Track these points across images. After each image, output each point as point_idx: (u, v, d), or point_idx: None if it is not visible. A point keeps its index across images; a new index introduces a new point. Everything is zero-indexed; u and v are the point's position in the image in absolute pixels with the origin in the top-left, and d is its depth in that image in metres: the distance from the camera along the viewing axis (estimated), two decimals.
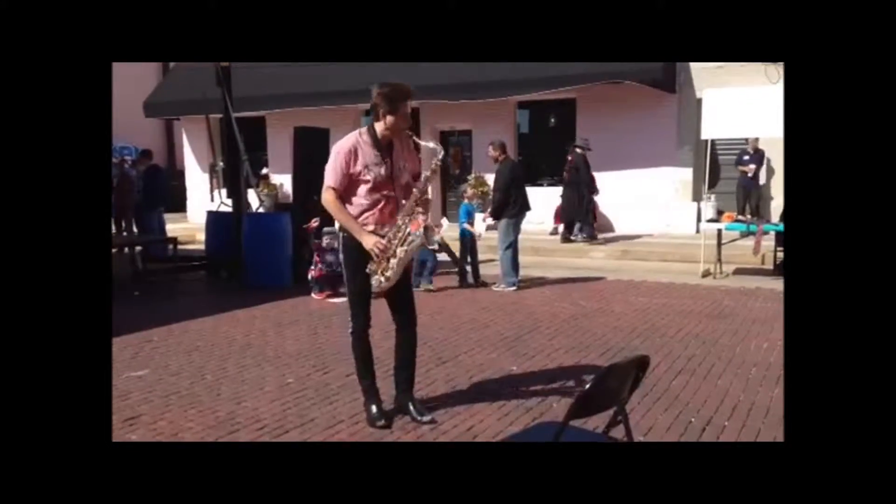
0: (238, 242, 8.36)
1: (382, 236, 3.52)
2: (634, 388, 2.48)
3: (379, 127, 3.54)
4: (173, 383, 4.54)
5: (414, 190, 3.58)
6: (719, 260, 8.95)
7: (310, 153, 8.82)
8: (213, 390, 4.40)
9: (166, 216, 11.65)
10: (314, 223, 7.76)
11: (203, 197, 14.91)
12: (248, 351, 5.32)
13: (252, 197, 10.37)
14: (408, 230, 3.53)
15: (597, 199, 12.12)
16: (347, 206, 3.55)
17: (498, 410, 3.96)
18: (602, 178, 12.42)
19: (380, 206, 3.55)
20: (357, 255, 3.59)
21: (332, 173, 3.52)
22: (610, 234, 12.40)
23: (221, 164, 11.41)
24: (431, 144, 3.75)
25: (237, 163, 9.08)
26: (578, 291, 7.70)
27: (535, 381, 4.51)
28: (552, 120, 14.07)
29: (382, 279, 3.57)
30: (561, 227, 12.41)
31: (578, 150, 11.47)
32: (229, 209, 9.32)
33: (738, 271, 9.04)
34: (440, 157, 3.66)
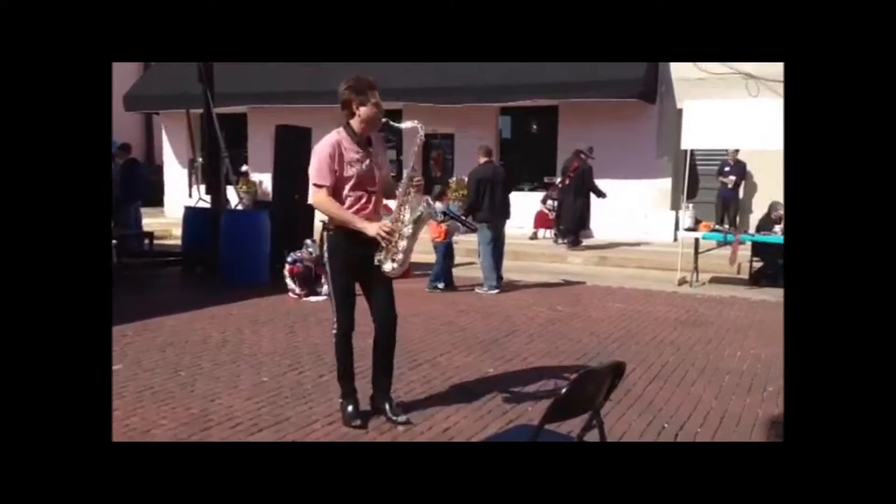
0: (216, 239, 8.29)
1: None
2: (609, 393, 2.50)
3: (355, 122, 3.54)
4: (147, 379, 4.49)
5: (405, 171, 3.58)
6: (696, 268, 9.06)
7: (291, 152, 8.79)
8: (186, 387, 4.35)
9: (143, 210, 11.52)
10: None
11: (181, 192, 14.76)
12: (223, 348, 5.28)
13: (231, 194, 10.30)
14: (408, 210, 3.51)
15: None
16: (342, 204, 3.55)
17: (474, 413, 3.96)
18: None
19: (364, 202, 3.56)
20: (343, 255, 3.58)
21: (318, 172, 3.50)
22: (589, 241, 12.48)
23: (201, 159, 11.31)
24: (409, 123, 3.64)
25: (217, 159, 9.01)
26: (556, 296, 7.74)
27: (512, 384, 4.52)
28: (534, 126, 14.16)
29: (394, 264, 3.54)
30: (547, 233, 12.50)
31: (583, 157, 11.54)
32: (207, 205, 9.24)
33: (714, 280, 9.15)
34: (422, 132, 3.62)
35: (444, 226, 7.62)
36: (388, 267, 3.55)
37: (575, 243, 11.57)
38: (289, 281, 7.39)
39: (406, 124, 3.69)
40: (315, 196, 3.54)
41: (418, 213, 3.51)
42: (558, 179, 11.92)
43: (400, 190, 3.55)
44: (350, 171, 3.50)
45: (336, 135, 3.55)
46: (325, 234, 3.66)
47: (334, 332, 3.74)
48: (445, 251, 7.96)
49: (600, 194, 11.62)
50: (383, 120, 3.60)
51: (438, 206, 3.70)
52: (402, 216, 3.53)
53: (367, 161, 3.54)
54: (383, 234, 3.48)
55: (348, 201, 3.54)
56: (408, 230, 3.51)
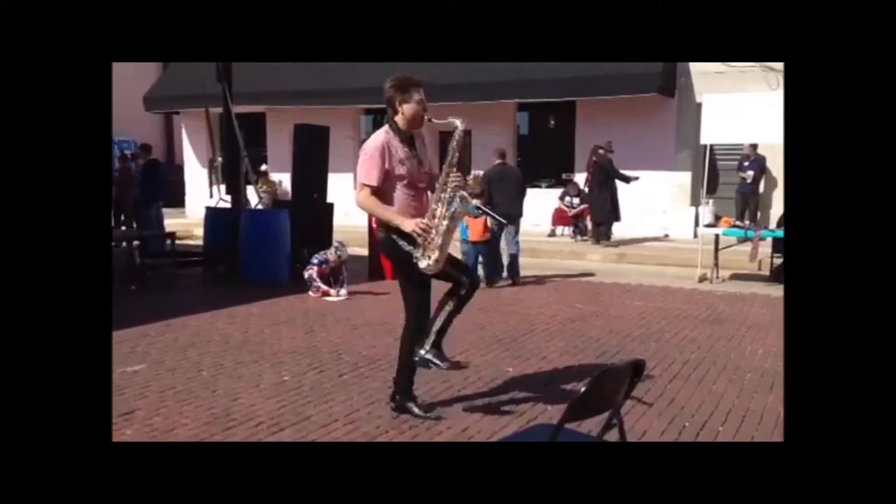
0: (236, 238, 8.36)
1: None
2: (630, 392, 2.49)
3: (399, 120, 3.54)
4: (169, 379, 4.54)
5: (443, 166, 3.58)
6: (716, 265, 8.97)
7: (309, 151, 8.83)
8: (208, 387, 4.40)
9: (165, 211, 11.64)
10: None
11: (202, 192, 14.91)
12: (244, 347, 5.33)
13: (251, 193, 10.37)
14: (444, 205, 3.51)
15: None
16: (394, 203, 3.56)
17: (493, 412, 3.97)
18: None
19: (420, 199, 3.59)
20: (408, 255, 3.56)
21: (367, 172, 3.50)
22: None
23: (220, 159, 11.40)
24: (449, 119, 3.60)
25: (236, 159, 9.07)
26: (575, 294, 7.71)
27: (531, 383, 4.52)
28: (552, 122, 14.09)
29: (430, 261, 3.51)
30: (566, 230, 12.47)
31: (601, 152, 11.50)
32: (228, 205, 9.31)
33: (734, 277, 9.06)
34: (461, 129, 3.59)
35: (488, 223, 7.67)
36: (423, 263, 3.52)
37: (607, 236, 11.58)
38: (318, 282, 7.40)
39: (446, 120, 3.65)
40: (359, 194, 3.55)
41: (454, 209, 3.50)
42: (583, 177, 11.86)
43: (437, 185, 3.56)
44: (402, 170, 3.51)
45: (384, 134, 3.55)
46: (391, 237, 3.60)
47: (411, 333, 3.70)
48: (489, 251, 7.96)
49: (628, 180, 11.49)
50: (426, 118, 3.58)
51: (474, 201, 3.67)
52: (438, 211, 3.51)
53: (415, 158, 3.56)
54: (419, 231, 3.46)
55: (407, 198, 3.55)
56: (443, 226, 3.49)
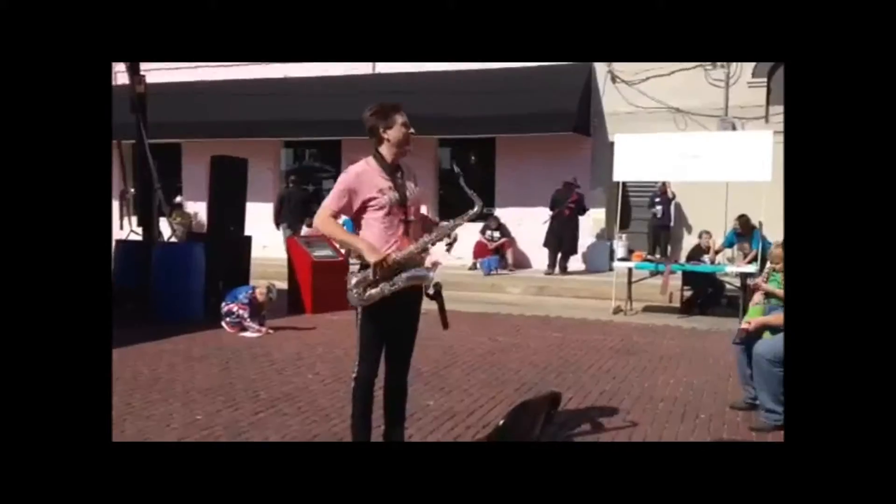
0: (148, 273, 8.06)
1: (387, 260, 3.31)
2: (547, 423, 2.53)
3: (385, 149, 3.43)
4: None
5: (442, 224, 3.47)
6: (630, 297, 9.28)
7: (227, 183, 8.66)
8: (116, 426, 4.17)
9: None
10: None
11: (112, 225, 14.31)
12: (155, 385, 5.11)
13: (164, 226, 10.05)
14: (415, 265, 3.35)
15: (515, 235, 12.73)
16: (370, 234, 3.38)
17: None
18: (520, 215, 12.76)
19: (400, 232, 3.38)
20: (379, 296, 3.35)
21: (332, 195, 3.39)
22: (527, 271, 12.67)
23: (133, 190, 11.01)
24: (475, 196, 3.49)
25: (149, 190, 8.79)
26: (496, 326, 7.80)
27: (451, 415, 4.51)
28: (473, 158, 14.35)
29: (363, 295, 3.33)
30: (485, 263, 12.63)
31: (578, 188, 12.02)
32: (139, 238, 8.99)
33: (647, 308, 9.38)
34: (476, 209, 3.46)
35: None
36: (356, 294, 3.35)
37: (564, 268, 12.16)
38: (237, 317, 7.18)
39: (473, 195, 3.51)
40: (317, 216, 3.42)
41: (418, 272, 3.34)
42: (553, 211, 12.12)
43: (423, 239, 3.39)
44: (382, 200, 3.36)
45: (364, 164, 3.44)
46: (358, 267, 3.41)
47: (354, 377, 3.45)
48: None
49: (581, 212, 12.25)
50: (409, 150, 3.45)
51: (433, 280, 3.45)
52: (403, 268, 3.33)
53: (398, 189, 3.40)
54: (381, 266, 3.26)
55: (384, 230, 3.37)
56: (400, 279, 3.31)
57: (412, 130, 3.43)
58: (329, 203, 3.41)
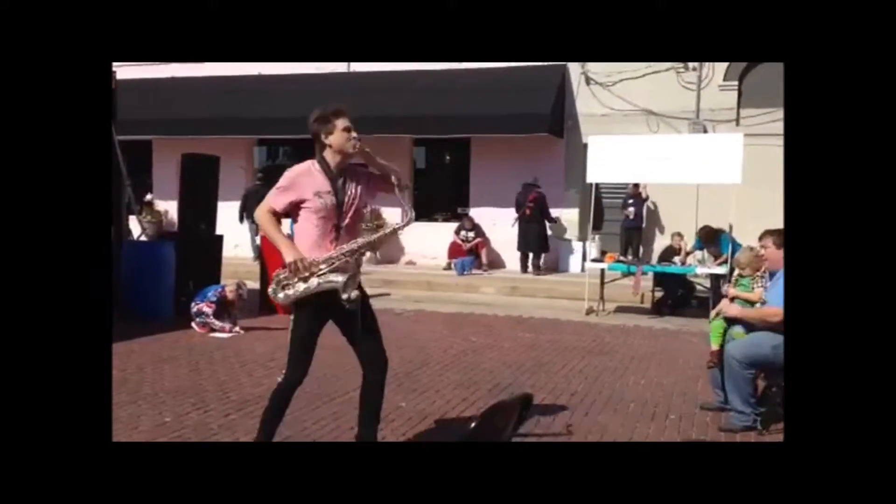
0: (117, 272, 7.92)
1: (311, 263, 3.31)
2: (519, 424, 2.54)
3: (328, 154, 3.42)
4: None
5: (365, 237, 3.48)
6: (602, 298, 9.35)
7: (197, 181, 8.55)
8: None
9: None
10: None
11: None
12: (123, 387, 5.02)
13: (134, 224, 9.90)
14: (333, 272, 3.32)
15: (489, 235, 12.78)
16: (302, 235, 3.39)
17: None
18: (495, 216, 12.79)
19: (329, 235, 3.38)
20: (315, 298, 3.33)
21: (273, 193, 3.41)
22: (502, 271, 12.71)
23: None
24: (405, 217, 3.52)
25: (118, 188, 8.65)
26: (469, 327, 7.80)
27: (424, 416, 4.50)
28: (447, 157, 14.37)
29: (280, 293, 3.36)
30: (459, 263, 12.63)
31: (538, 188, 12.07)
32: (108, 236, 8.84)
33: (619, 309, 9.46)
34: (409, 219, 3.51)
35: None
36: (273, 291, 3.38)
37: (537, 266, 12.25)
38: (205, 317, 7.10)
39: (403, 219, 3.56)
40: (257, 209, 3.46)
41: (330, 281, 3.30)
42: (518, 213, 12.17)
43: (348, 245, 3.38)
44: (317, 202, 3.35)
45: (308, 165, 3.44)
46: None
47: (280, 380, 3.44)
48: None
49: (553, 220, 12.37)
50: (356, 145, 3.41)
51: (353, 294, 3.40)
52: (324, 267, 3.33)
53: (336, 195, 3.39)
54: (295, 266, 3.28)
55: (316, 233, 3.37)
56: (314, 281, 3.30)
57: (355, 135, 3.41)
58: (268, 198, 3.45)
